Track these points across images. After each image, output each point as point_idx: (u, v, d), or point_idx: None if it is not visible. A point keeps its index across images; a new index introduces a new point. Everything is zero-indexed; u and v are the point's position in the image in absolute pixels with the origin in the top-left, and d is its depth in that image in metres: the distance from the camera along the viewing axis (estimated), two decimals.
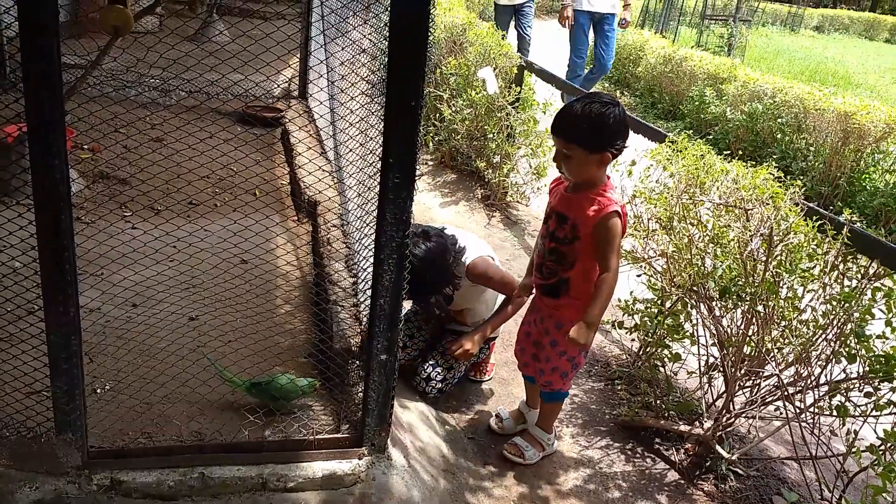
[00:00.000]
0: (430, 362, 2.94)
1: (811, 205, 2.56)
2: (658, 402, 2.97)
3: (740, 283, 2.47)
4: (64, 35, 1.66)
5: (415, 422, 2.77)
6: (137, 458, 2.05)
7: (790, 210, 2.47)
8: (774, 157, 6.83)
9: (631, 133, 4.08)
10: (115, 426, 2.15)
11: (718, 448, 2.65)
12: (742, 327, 2.57)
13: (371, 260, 2.28)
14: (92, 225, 3.25)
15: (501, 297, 2.97)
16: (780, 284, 2.47)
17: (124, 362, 2.37)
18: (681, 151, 2.97)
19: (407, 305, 3.06)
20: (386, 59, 1.86)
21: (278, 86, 5.68)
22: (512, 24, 8.60)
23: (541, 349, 2.62)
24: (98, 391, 2.28)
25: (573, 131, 2.31)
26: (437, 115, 6.02)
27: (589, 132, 2.29)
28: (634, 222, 3.01)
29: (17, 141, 3.45)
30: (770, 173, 2.63)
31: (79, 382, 1.91)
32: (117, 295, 2.63)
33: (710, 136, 7.99)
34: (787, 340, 2.48)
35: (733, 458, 2.63)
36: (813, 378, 2.47)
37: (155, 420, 2.21)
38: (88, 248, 2.63)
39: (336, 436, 2.23)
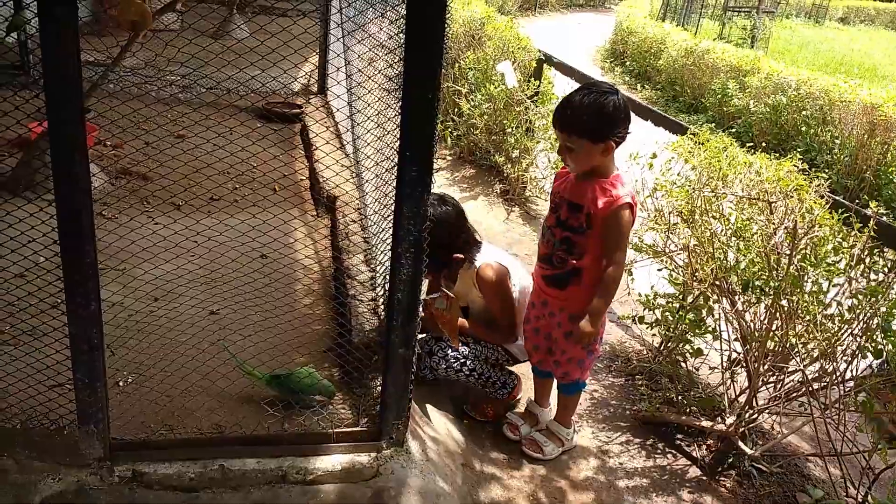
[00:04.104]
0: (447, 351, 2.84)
1: (836, 197, 2.51)
2: (679, 397, 2.94)
3: (764, 276, 2.43)
4: (84, 32, 1.67)
5: (433, 415, 2.77)
6: (159, 451, 2.07)
7: (815, 203, 2.42)
8: (799, 150, 6.70)
9: (652, 125, 4.07)
10: (137, 418, 2.17)
11: (741, 444, 2.61)
12: (766, 322, 2.53)
13: (389, 254, 2.28)
14: (114, 220, 3.28)
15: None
16: (805, 278, 2.43)
17: (146, 355, 2.39)
18: (703, 144, 2.93)
19: None
20: (403, 53, 1.85)
21: (297, 80, 5.70)
22: None
23: (554, 342, 2.59)
24: (120, 384, 2.31)
25: (574, 123, 2.28)
26: (456, 109, 6.00)
27: (590, 122, 2.26)
28: (655, 215, 2.98)
29: (39, 137, 3.49)
30: (794, 165, 2.59)
31: (101, 375, 1.92)
32: (139, 289, 2.65)
33: (733, 130, 7.90)
34: (811, 335, 2.44)
35: (756, 454, 2.59)
36: (838, 374, 2.43)
37: (176, 412, 2.23)
38: (110, 242, 2.66)
39: (355, 429, 2.23)
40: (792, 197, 2.47)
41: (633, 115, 4.27)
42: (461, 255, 2.72)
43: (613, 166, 2.37)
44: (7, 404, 2.08)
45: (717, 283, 2.62)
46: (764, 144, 5.93)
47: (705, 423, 2.78)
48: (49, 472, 1.97)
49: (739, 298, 2.61)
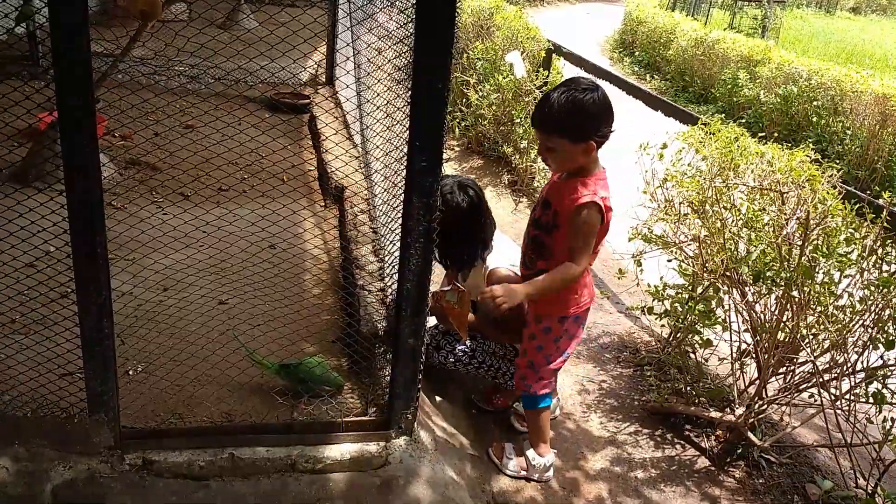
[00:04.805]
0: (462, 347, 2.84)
1: (849, 188, 2.49)
2: (688, 388, 2.93)
3: (775, 267, 2.41)
4: (93, 22, 1.66)
5: (442, 405, 2.77)
6: (169, 439, 2.08)
7: (828, 193, 2.40)
8: (810, 140, 6.67)
9: (662, 116, 4.04)
10: (147, 407, 2.18)
11: (750, 435, 2.61)
12: (776, 313, 2.52)
13: (398, 244, 2.28)
14: (123, 210, 3.29)
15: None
16: (816, 269, 2.41)
17: (155, 345, 2.40)
18: (714, 134, 2.91)
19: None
20: (413, 43, 1.84)
21: (306, 70, 5.69)
22: None
23: (522, 342, 2.51)
24: (130, 373, 2.32)
25: (552, 122, 2.17)
26: (464, 100, 5.98)
27: (569, 122, 2.14)
28: (665, 206, 2.96)
29: (49, 127, 3.50)
30: (807, 155, 2.56)
31: (111, 364, 1.93)
32: (148, 279, 2.66)
33: (743, 120, 7.84)
34: (822, 326, 2.42)
35: (766, 445, 2.58)
36: (849, 365, 2.41)
37: (186, 401, 2.23)
38: (120, 232, 2.67)
39: (364, 418, 2.24)
40: (804, 187, 2.45)
41: (643, 105, 4.27)
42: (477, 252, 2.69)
43: (597, 166, 2.24)
44: (18, 393, 2.09)
45: (728, 273, 2.61)
46: (775, 135, 5.89)
47: (714, 414, 2.77)
48: (60, 461, 1.98)
49: (750, 289, 2.59)
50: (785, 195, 2.48)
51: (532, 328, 2.44)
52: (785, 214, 2.44)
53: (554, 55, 5.50)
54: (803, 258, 2.36)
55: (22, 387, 2.09)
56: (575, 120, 2.14)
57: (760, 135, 3.07)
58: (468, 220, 2.65)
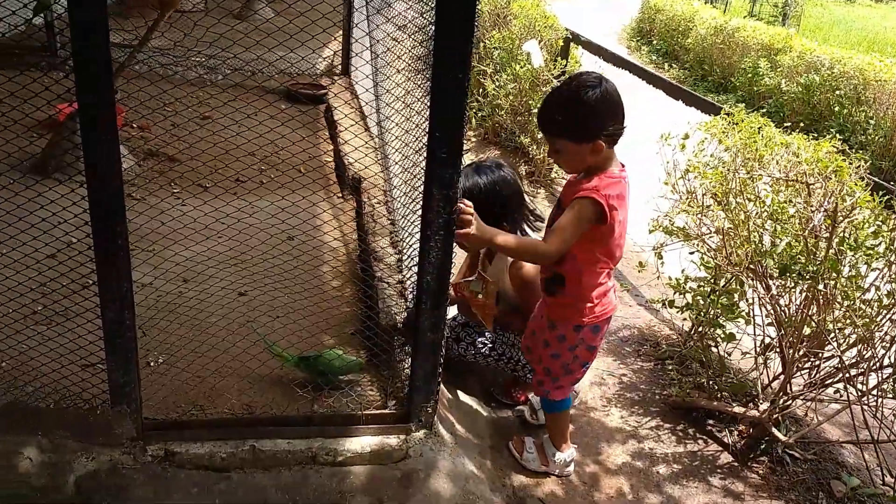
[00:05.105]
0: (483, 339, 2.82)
1: (878, 179, 2.44)
2: (710, 382, 2.90)
3: (801, 260, 2.37)
4: (110, 13, 1.65)
5: (462, 398, 2.76)
6: (190, 430, 2.09)
7: (855, 184, 2.35)
8: (832, 130, 6.58)
9: (683, 105, 3.99)
10: (169, 398, 2.19)
11: (775, 431, 2.57)
12: (802, 307, 2.47)
13: (416, 236, 2.26)
14: (142, 201, 3.30)
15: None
16: (843, 262, 2.37)
17: (176, 336, 2.40)
18: (737, 124, 2.86)
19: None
20: (432, 32, 1.82)
21: (324, 59, 5.67)
22: None
23: (536, 347, 2.44)
24: (151, 364, 2.32)
25: (555, 124, 2.07)
26: (481, 90, 5.94)
27: (570, 122, 2.04)
28: (688, 198, 2.91)
29: (68, 118, 3.51)
30: (834, 146, 2.51)
31: (133, 356, 1.94)
32: (168, 270, 2.66)
33: (763, 110, 7.74)
34: (849, 321, 2.38)
35: (791, 441, 2.55)
36: (876, 359, 2.37)
37: (207, 393, 2.24)
38: (140, 223, 2.67)
39: (384, 411, 2.23)
40: (830, 179, 2.40)
41: (663, 94, 4.22)
42: (506, 226, 2.62)
43: (610, 164, 2.10)
44: (41, 384, 2.10)
45: (752, 266, 2.57)
46: (797, 125, 5.79)
47: (737, 409, 2.74)
48: (83, 452, 1.99)
49: (775, 283, 2.55)
50: (811, 186, 2.43)
51: (546, 334, 2.35)
52: (811, 206, 2.39)
53: (572, 44, 5.44)
54: (830, 251, 2.31)
55: (44, 378, 2.11)
56: (576, 120, 2.03)
57: (786, 125, 3.01)
58: (495, 194, 2.60)
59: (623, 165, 2.15)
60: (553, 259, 2.13)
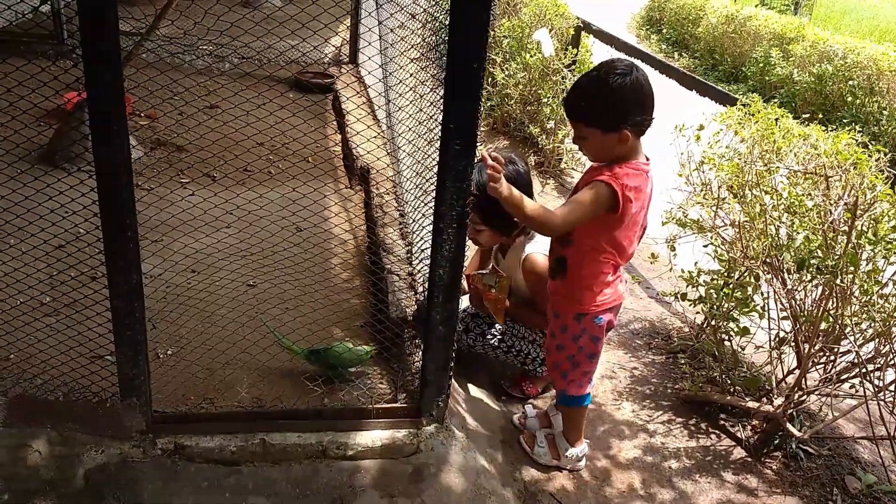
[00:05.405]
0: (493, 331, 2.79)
1: None
2: (723, 376, 2.86)
3: (819, 255, 2.33)
4: (119, 0, 1.62)
5: (472, 392, 2.74)
6: (200, 424, 2.07)
7: (875, 177, 2.31)
8: (845, 121, 6.50)
9: (697, 95, 3.93)
10: (178, 391, 2.17)
11: (789, 426, 2.54)
12: (818, 301, 2.44)
13: (427, 228, 2.23)
14: (152, 192, 3.27)
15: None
16: (861, 256, 2.32)
17: (186, 329, 2.39)
18: (753, 115, 2.81)
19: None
20: (447, 20, 1.78)
21: (335, 48, 5.62)
22: None
23: (546, 341, 2.41)
24: (160, 356, 2.31)
25: (582, 111, 2.03)
26: (490, 79, 5.88)
27: (596, 110, 1.99)
28: (702, 190, 2.87)
29: (76, 108, 3.49)
30: (853, 138, 2.46)
31: (142, 348, 1.92)
32: (178, 262, 2.64)
33: (775, 100, 7.65)
34: (866, 315, 2.34)
35: (806, 436, 2.52)
36: (893, 354, 2.33)
37: (216, 385, 2.22)
38: (149, 215, 2.65)
39: (395, 405, 2.21)
40: (849, 171, 2.36)
41: (676, 83, 4.16)
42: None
43: (635, 155, 2.05)
44: (49, 376, 2.09)
45: (769, 260, 2.53)
46: (817, 116, 5.73)
47: (751, 404, 2.70)
48: (92, 445, 1.98)
49: (791, 277, 2.51)
50: (830, 179, 2.39)
51: (552, 325, 2.33)
52: (830, 199, 2.35)
53: (583, 33, 5.38)
54: (849, 245, 2.27)
55: (53, 370, 2.09)
56: (602, 107, 1.99)
57: (805, 116, 2.96)
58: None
59: (648, 159, 2.10)
60: (557, 231, 2.08)
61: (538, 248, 2.60)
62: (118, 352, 1.91)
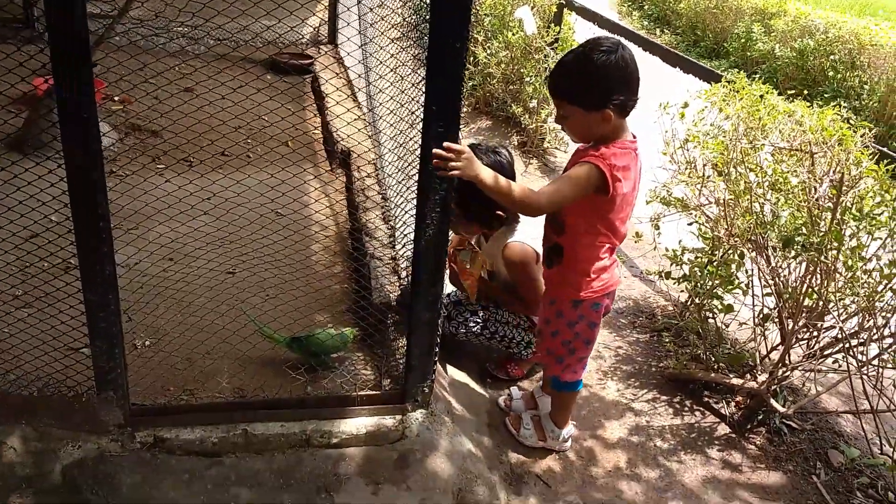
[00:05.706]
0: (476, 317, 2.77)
1: (883, 148, 2.39)
2: (707, 354, 2.86)
3: (804, 232, 2.32)
4: None
5: (456, 375, 2.72)
6: (180, 415, 2.04)
7: (861, 153, 2.29)
8: (826, 95, 6.51)
9: (681, 72, 3.90)
10: (157, 383, 2.13)
11: (773, 402, 2.55)
12: (803, 277, 2.43)
13: (410, 212, 2.19)
14: (126, 179, 3.20)
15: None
16: (845, 232, 2.32)
17: (163, 319, 2.34)
18: (738, 92, 2.78)
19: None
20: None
21: (313, 28, 5.51)
22: None
23: (540, 327, 2.39)
24: (138, 346, 2.26)
25: (565, 88, 1.98)
26: (472, 58, 5.81)
27: (578, 87, 1.94)
28: (687, 168, 2.85)
29: (46, 94, 3.39)
30: (837, 114, 2.45)
31: (118, 341, 1.87)
32: (153, 252, 2.58)
33: (757, 75, 7.64)
34: (850, 291, 2.34)
35: (789, 412, 2.53)
36: (876, 329, 2.34)
37: (196, 376, 2.18)
38: (123, 204, 2.58)
39: (379, 392, 2.19)
40: (834, 147, 2.34)
41: (660, 60, 4.12)
42: (503, 214, 2.56)
43: (619, 135, 2.01)
44: (23, 371, 2.04)
45: (753, 237, 2.52)
46: (791, 90, 5.73)
47: (735, 381, 2.71)
48: (69, 440, 1.94)
49: (775, 254, 2.50)
50: (815, 156, 2.38)
51: (547, 311, 2.29)
52: (815, 176, 2.33)
53: (566, 10, 5.32)
54: (834, 222, 2.26)
55: (27, 365, 2.04)
56: (584, 85, 1.94)
57: (790, 92, 2.94)
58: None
59: (635, 136, 2.06)
60: (542, 210, 2.03)
61: (518, 238, 2.57)
62: (93, 345, 1.86)
